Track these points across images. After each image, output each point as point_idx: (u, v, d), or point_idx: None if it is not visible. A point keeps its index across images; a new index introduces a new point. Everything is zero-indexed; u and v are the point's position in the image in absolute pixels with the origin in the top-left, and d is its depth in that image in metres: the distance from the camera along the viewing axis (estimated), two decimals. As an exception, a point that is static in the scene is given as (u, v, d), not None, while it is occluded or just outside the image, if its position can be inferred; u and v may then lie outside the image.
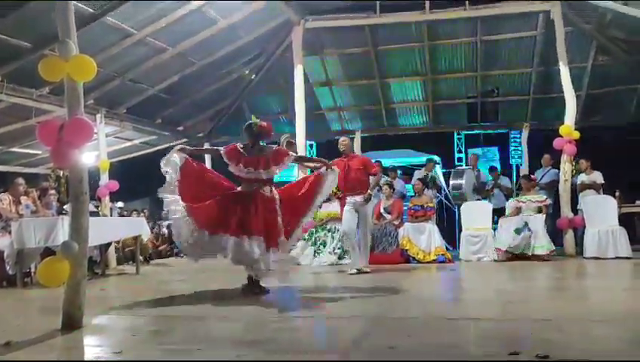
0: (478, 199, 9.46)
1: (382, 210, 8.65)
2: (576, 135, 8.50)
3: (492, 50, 10.61)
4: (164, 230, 11.59)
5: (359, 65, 11.20)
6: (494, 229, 8.51)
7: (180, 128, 12.19)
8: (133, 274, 7.64)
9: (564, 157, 8.62)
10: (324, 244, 8.34)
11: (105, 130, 9.59)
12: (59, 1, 3.71)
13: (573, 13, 9.29)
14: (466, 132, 14.24)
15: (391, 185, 8.92)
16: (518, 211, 8.30)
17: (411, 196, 9.49)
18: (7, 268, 6.38)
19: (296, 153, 6.83)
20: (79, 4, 6.61)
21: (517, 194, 9.04)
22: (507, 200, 9.07)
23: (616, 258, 7.66)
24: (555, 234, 8.64)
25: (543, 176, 9.47)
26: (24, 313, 4.75)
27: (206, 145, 12.68)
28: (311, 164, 5.91)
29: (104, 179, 9.30)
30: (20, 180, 7.32)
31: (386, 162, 11.49)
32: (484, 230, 8.40)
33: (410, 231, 8.34)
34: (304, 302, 4.84)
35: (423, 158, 13.94)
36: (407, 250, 8.22)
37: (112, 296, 5.84)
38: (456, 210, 9.86)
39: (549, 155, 9.53)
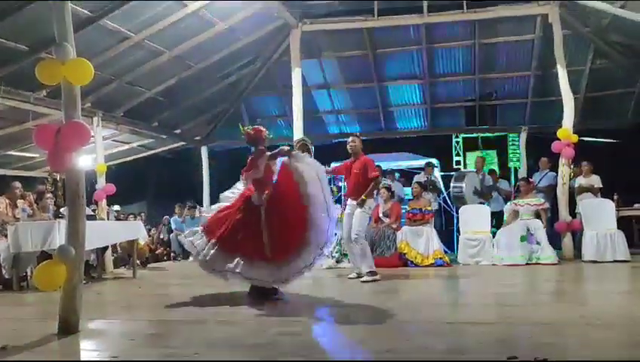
0: (482, 203, 9.43)
1: (380, 214, 8.63)
2: (574, 138, 8.50)
3: (490, 53, 10.62)
4: (162, 234, 11.58)
5: (357, 68, 11.19)
6: (493, 233, 8.50)
7: (178, 131, 12.16)
8: (130, 278, 7.61)
9: (562, 161, 8.62)
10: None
11: (102, 134, 9.55)
12: (56, 4, 3.70)
13: (571, 17, 9.30)
14: (464, 135, 14.25)
15: (389, 189, 8.91)
16: (515, 214, 8.29)
17: (409, 199, 9.47)
18: (4, 271, 6.37)
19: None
20: (76, 7, 6.59)
21: (515, 198, 9.03)
22: (506, 203, 9.06)
23: (615, 261, 7.65)
24: (554, 237, 8.63)
25: (540, 180, 9.47)
26: (20, 317, 4.72)
27: (203, 149, 12.73)
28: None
29: (101, 182, 9.27)
30: (17, 184, 7.31)
31: (384, 165, 11.47)
32: (482, 234, 8.40)
33: (409, 234, 8.32)
34: (303, 306, 4.82)
35: (421, 161, 13.95)
36: (405, 254, 8.19)
37: (109, 300, 5.81)
38: (454, 213, 9.82)
39: (546, 158, 9.53)
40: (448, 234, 11.33)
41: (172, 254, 11.12)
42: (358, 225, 6.20)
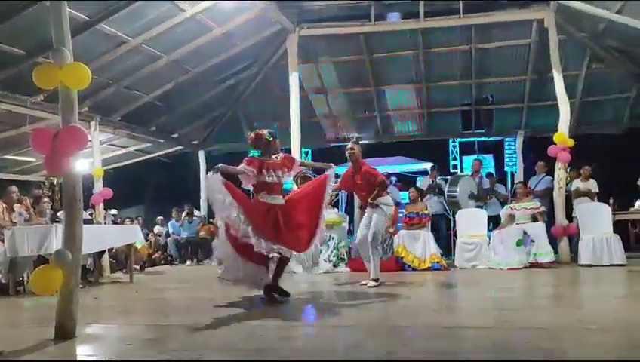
0: (478, 206, 9.44)
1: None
2: (570, 142, 8.53)
3: (486, 58, 10.67)
4: (160, 238, 11.55)
5: (354, 72, 11.23)
6: (489, 237, 8.51)
7: (175, 136, 12.17)
8: (127, 282, 7.59)
9: (558, 165, 8.65)
10: (320, 252, 8.30)
11: (99, 138, 9.55)
12: (54, 8, 3.70)
13: (566, 22, 9.35)
14: (461, 139, 14.31)
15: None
16: (512, 218, 8.30)
17: (406, 203, 9.48)
18: (0, 276, 6.33)
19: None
20: (74, 12, 6.60)
21: (512, 201, 9.05)
22: (502, 207, 9.08)
23: (611, 265, 7.67)
24: (550, 241, 8.64)
25: (537, 184, 9.50)
26: (17, 322, 4.70)
27: (200, 153, 12.73)
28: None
29: (98, 186, 9.26)
30: (14, 188, 7.28)
31: (381, 169, 11.46)
32: (479, 237, 8.41)
33: (406, 238, 8.33)
34: (300, 310, 4.81)
35: (418, 165, 14.00)
36: (402, 258, 8.19)
37: (105, 305, 5.79)
38: (451, 217, 9.84)
39: (543, 162, 9.57)
40: (445, 238, 11.33)
41: (169, 258, 11.10)
42: (373, 226, 6.22)
